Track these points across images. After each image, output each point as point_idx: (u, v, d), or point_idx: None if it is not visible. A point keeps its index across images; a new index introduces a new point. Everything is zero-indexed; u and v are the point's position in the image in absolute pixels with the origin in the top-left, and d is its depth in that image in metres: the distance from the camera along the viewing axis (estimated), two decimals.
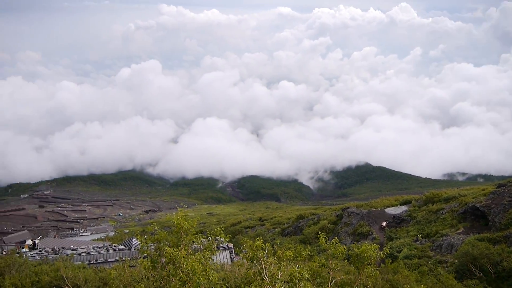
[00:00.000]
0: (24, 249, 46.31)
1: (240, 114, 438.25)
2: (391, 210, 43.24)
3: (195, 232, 11.02)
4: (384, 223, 39.47)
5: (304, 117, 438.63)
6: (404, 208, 42.88)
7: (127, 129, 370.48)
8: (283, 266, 9.98)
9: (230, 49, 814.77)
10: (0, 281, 16.92)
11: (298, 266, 10.11)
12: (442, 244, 30.05)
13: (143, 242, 11.87)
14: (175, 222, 10.70)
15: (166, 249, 9.52)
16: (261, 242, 10.01)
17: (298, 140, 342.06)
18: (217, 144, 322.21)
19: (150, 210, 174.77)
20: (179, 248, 10.27)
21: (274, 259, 10.01)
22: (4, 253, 42.74)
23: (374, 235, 37.87)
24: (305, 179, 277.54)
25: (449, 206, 37.02)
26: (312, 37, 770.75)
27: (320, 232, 13.50)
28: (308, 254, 12.25)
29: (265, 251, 9.97)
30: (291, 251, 10.58)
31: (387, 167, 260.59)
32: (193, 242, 11.26)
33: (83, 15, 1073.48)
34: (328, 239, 13.72)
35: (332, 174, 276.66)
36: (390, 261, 23.80)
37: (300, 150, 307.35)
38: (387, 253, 12.92)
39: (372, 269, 11.92)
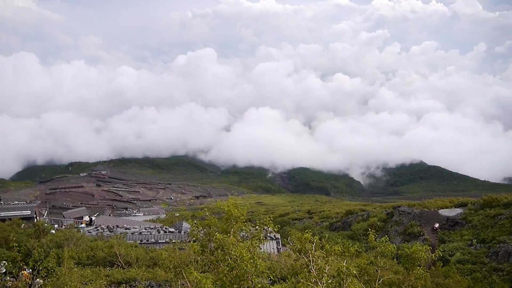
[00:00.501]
0: (81, 225, 48.82)
1: (293, 105, 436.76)
2: (445, 212, 41.74)
3: (244, 220, 11.18)
4: (436, 225, 38.22)
5: (358, 111, 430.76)
6: (459, 210, 41.25)
7: (181, 115, 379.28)
8: (331, 260, 9.94)
9: (286, 40, 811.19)
10: (60, 253, 17.91)
11: (346, 262, 10.03)
12: (499, 251, 28.73)
13: (194, 226, 12.18)
14: (226, 209, 10.89)
15: (216, 235, 9.73)
16: (309, 234, 10.00)
17: (351, 134, 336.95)
18: (268, 134, 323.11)
19: (200, 196, 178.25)
20: (229, 234, 10.46)
21: (322, 253, 9.99)
22: (63, 227, 45.26)
23: (425, 236, 36.79)
24: (356, 174, 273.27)
25: (508, 212, 35.23)
26: (370, 29, 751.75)
27: (369, 229, 13.28)
28: (356, 250, 12.11)
29: (313, 244, 9.96)
30: (339, 246, 10.51)
31: (443, 167, 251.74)
32: (242, 229, 11.43)
33: (144, 1, 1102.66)
34: (377, 237, 13.50)
35: (384, 171, 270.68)
36: (442, 264, 23.03)
37: (352, 145, 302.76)
38: (438, 255, 12.55)
39: (422, 271, 11.60)
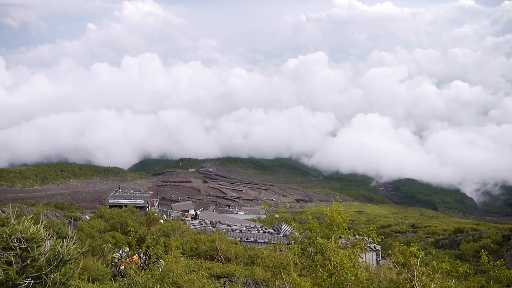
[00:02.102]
0: (187, 218, 51.57)
1: (404, 113, 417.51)
2: None
3: (346, 228, 11.00)
4: None
5: (477, 122, 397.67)
6: None
7: (288, 118, 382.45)
8: (437, 278, 9.37)
9: (401, 44, 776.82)
10: (167, 242, 19.08)
11: (454, 282, 9.40)
12: None
13: (296, 228, 12.26)
14: (328, 214, 10.80)
15: (317, 239, 9.68)
16: (415, 248, 9.53)
17: (467, 147, 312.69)
18: (375, 141, 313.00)
19: (301, 200, 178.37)
20: (330, 240, 10.36)
21: (428, 269, 9.45)
22: (171, 218, 48.25)
23: None
24: (469, 190, 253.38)
25: None
26: (497, 33, 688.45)
27: (481, 251, 12.30)
28: (465, 271, 11.30)
29: (418, 259, 9.48)
30: (447, 264, 9.87)
31: None
32: (340, 237, 11.25)
33: (260, 6, 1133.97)
34: (490, 260, 12.45)
35: (503, 189, 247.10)
36: None
37: (467, 158, 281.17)
38: None
39: None
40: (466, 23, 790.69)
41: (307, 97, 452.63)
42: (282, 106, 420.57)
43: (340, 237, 11.28)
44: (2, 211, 6.69)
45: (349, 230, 11.57)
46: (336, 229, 10.78)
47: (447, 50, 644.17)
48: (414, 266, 9.25)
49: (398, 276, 9.76)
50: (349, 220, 11.37)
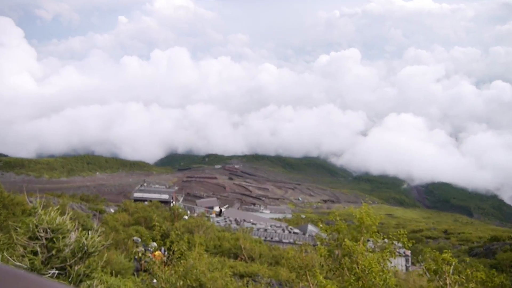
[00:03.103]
0: (211, 214, 52.01)
1: (440, 113, 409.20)
2: None
3: (375, 230, 10.86)
4: None
5: None
6: None
7: (318, 116, 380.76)
8: (470, 287, 9.14)
9: (438, 42, 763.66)
10: (190, 238, 19.27)
11: None
12: None
13: (323, 229, 12.19)
14: (357, 216, 10.69)
15: (345, 241, 9.60)
16: (448, 255, 9.31)
17: (506, 150, 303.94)
18: (408, 142, 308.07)
19: (328, 200, 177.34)
20: (358, 243, 10.26)
21: (461, 278, 9.22)
22: (195, 214, 48.69)
23: None
24: (508, 196, 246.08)
25: None
26: None
27: None
28: (502, 282, 10.99)
29: (451, 266, 9.26)
30: (482, 273, 9.61)
31: None
32: (369, 240, 11.13)
33: (292, 1, 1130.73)
34: None
35: None
36: None
37: (506, 162, 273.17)
38: None
39: None
40: (510, 20, 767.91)
41: (338, 94, 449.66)
42: (312, 103, 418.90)
43: (368, 240, 11.15)
44: (30, 201, 6.87)
45: (378, 233, 11.41)
46: (365, 231, 10.67)
47: (488, 48, 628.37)
48: (446, 274, 9.04)
49: (429, 283, 9.57)
50: (378, 223, 11.22)
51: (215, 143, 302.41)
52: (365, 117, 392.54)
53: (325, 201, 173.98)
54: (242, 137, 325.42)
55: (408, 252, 28.43)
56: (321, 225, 13.31)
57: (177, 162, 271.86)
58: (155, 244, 16.94)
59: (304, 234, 37.21)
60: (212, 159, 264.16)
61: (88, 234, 5.72)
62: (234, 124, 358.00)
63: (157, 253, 16.33)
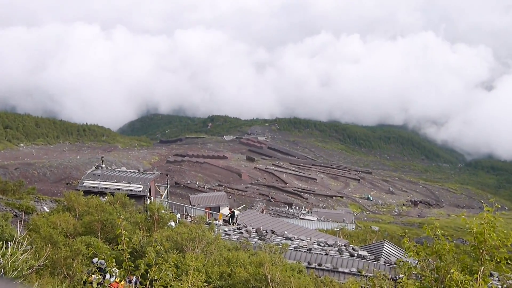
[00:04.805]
0: (217, 220, 52.35)
1: None
2: None
3: (506, 257, 10.78)
4: None
5: None
6: None
7: (405, 53, 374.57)
8: None
9: None
10: (179, 259, 19.39)
11: None
12: None
13: (410, 251, 12.14)
14: (474, 230, 10.59)
15: (453, 273, 9.53)
16: None
17: None
18: None
19: (420, 201, 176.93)
20: (475, 276, 10.20)
21: None
22: (189, 219, 49.08)
23: None
24: None
25: None
26: None
27: None
28: None
29: None
30: None
31: None
32: (492, 274, 11.09)
33: None
34: None
35: None
36: None
37: None
38: None
39: None
40: None
41: (442, 16, 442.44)
42: (395, 30, 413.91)
43: (491, 275, 11.10)
44: None
45: (511, 261, 11.33)
46: (487, 257, 10.59)
47: None
48: None
49: None
50: (511, 244, 11.14)
51: (224, 97, 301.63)
52: (491, 57, 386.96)
53: (415, 203, 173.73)
54: (271, 88, 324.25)
55: None
56: (407, 244, 13.27)
57: (158, 129, 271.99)
58: (117, 270, 17.09)
59: (377, 259, 37.31)
60: (219, 124, 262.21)
61: (7, 248, 5.74)
62: (257, 65, 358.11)
63: (122, 283, 16.51)
